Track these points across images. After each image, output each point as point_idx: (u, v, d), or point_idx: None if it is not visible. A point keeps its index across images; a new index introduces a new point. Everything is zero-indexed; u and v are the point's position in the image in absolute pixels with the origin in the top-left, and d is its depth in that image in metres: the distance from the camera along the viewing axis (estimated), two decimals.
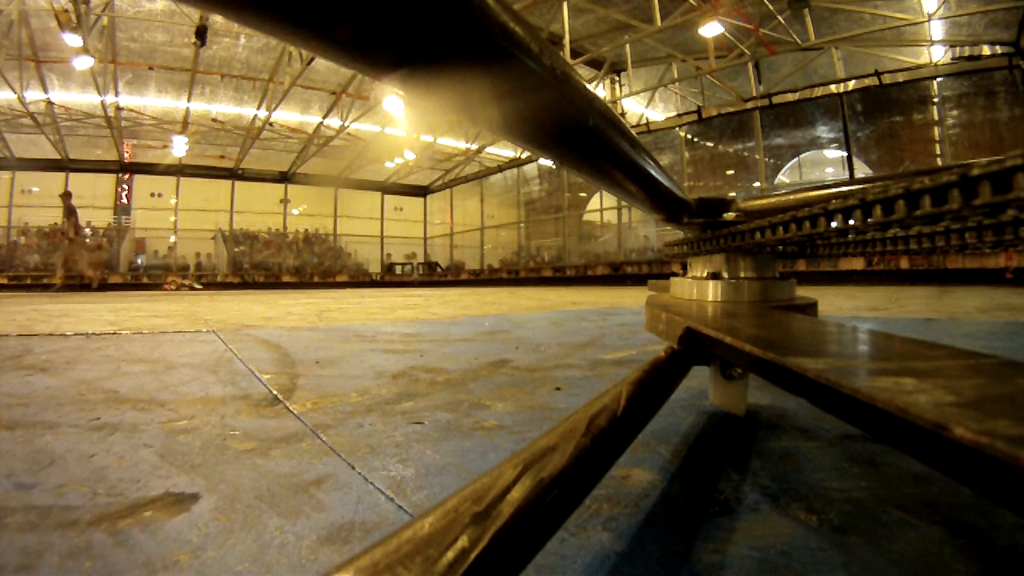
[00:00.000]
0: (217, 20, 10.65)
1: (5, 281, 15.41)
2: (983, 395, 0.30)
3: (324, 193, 20.38)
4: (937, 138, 10.59)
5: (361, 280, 19.95)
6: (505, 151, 18.64)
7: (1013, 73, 9.49)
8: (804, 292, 1.25)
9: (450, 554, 0.27)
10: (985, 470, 0.23)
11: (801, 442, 0.91)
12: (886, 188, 0.49)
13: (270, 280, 18.66)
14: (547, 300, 6.32)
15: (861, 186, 1.01)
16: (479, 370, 1.64)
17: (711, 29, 9.43)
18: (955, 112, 10.32)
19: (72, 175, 16.96)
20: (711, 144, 13.92)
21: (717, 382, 1.05)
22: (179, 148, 15.27)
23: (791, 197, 1.21)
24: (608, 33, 11.64)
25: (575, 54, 11.41)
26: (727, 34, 10.17)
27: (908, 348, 0.50)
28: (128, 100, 14.39)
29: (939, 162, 10.67)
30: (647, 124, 14.54)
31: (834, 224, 0.60)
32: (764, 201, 1.23)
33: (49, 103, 13.82)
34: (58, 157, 16.33)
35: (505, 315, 3.93)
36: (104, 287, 15.58)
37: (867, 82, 11.17)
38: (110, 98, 13.66)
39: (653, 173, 0.87)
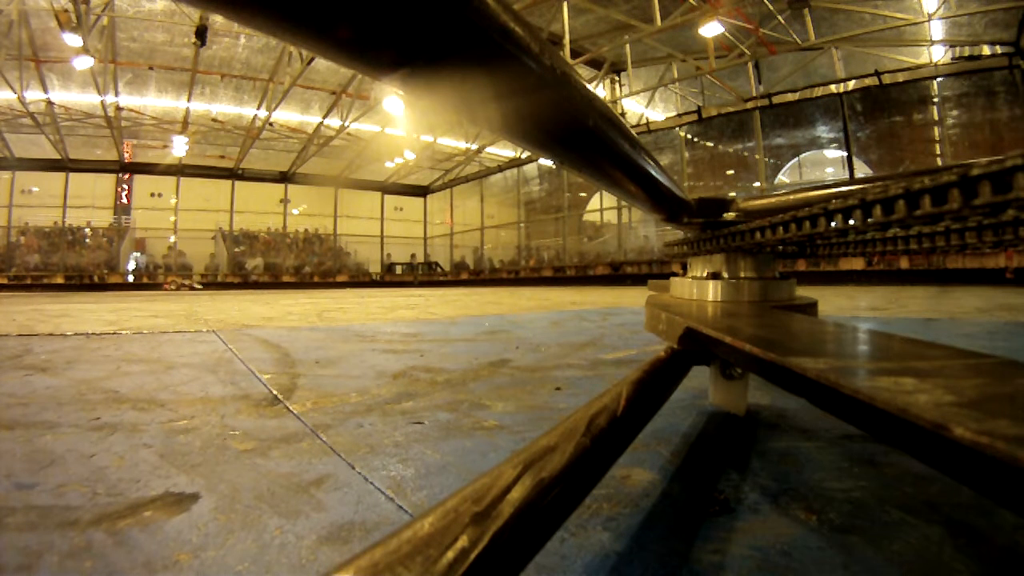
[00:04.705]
0: (217, 20, 10.65)
1: (5, 281, 15.41)
2: (983, 395, 0.30)
3: (324, 193, 20.37)
4: (937, 138, 10.60)
5: (361, 280, 19.96)
6: (505, 151, 18.63)
7: (1013, 73, 9.49)
8: (804, 292, 1.25)
9: (450, 554, 0.27)
10: (985, 470, 0.23)
11: (801, 442, 0.91)
12: (886, 188, 0.49)
13: (270, 280, 18.66)
14: (547, 300, 6.32)
15: (861, 186, 1.01)
16: (479, 370, 1.64)
17: (711, 29, 9.43)
18: (955, 112, 10.32)
19: (72, 175, 16.97)
20: (711, 144, 13.91)
21: (717, 382, 1.05)
22: (179, 148, 15.27)
23: (791, 197, 1.21)
24: (608, 33, 11.64)
25: (575, 54, 11.40)
26: (727, 34, 10.16)
27: (908, 348, 0.50)
28: (128, 100, 14.38)
29: (939, 162, 10.67)
30: (647, 124, 14.53)
31: (834, 224, 0.60)
32: (764, 201, 1.23)
33: (49, 103, 13.81)
34: (58, 157, 16.32)
35: (505, 315, 3.93)
36: (104, 287, 15.60)
37: (867, 82, 11.17)
38: (110, 98, 13.66)
39: (653, 173, 0.87)
